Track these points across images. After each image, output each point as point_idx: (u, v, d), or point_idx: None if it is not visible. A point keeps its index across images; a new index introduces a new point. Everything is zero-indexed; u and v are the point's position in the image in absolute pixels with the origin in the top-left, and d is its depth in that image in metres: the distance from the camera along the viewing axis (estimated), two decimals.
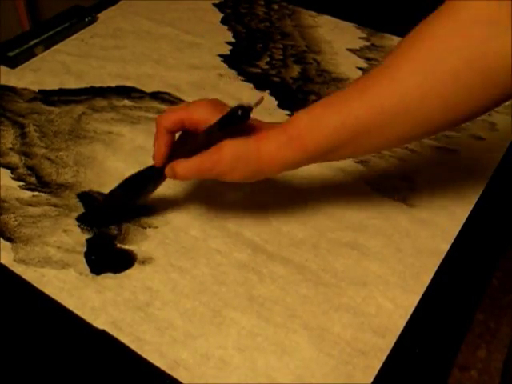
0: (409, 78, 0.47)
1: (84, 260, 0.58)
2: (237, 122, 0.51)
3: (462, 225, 0.61)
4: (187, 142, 0.55)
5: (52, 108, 0.76)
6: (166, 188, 0.64)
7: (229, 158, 0.51)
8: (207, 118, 0.52)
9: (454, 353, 0.53)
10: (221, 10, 0.95)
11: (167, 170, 0.55)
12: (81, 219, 0.62)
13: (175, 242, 0.60)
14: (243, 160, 0.52)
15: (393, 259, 0.58)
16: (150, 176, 0.58)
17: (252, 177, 0.53)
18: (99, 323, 0.53)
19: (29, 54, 0.84)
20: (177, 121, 0.54)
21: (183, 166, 0.53)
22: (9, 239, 0.60)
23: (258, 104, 0.50)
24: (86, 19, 0.90)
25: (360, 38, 0.88)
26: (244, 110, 0.50)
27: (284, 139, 0.51)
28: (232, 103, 0.75)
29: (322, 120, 0.50)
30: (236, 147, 0.51)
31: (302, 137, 0.51)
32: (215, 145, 0.52)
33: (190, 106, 0.54)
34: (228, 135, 0.52)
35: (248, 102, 0.50)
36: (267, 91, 0.65)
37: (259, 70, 0.82)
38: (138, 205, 0.62)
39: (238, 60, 0.84)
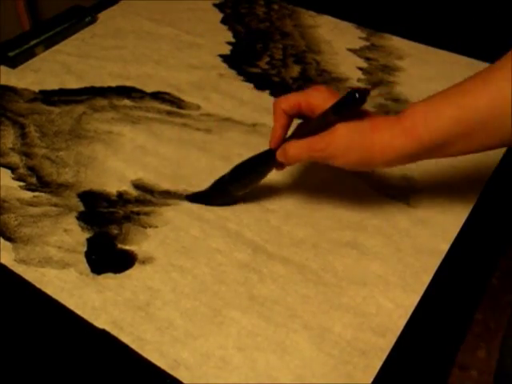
0: None
1: (85, 260, 0.58)
2: (353, 106, 0.51)
3: (461, 225, 0.61)
4: (302, 127, 0.56)
5: (52, 108, 0.76)
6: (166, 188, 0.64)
7: (342, 140, 0.52)
8: (323, 103, 0.53)
9: (454, 353, 0.53)
10: (221, 10, 0.95)
11: (279, 152, 0.56)
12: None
13: (175, 241, 0.60)
14: (356, 145, 0.52)
15: (393, 259, 0.58)
16: (264, 160, 0.59)
17: (361, 164, 0.53)
18: (100, 323, 0.53)
19: (29, 54, 0.84)
20: (294, 103, 0.55)
21: (295, 145, 0.54)
22: (9, 239, 0.60)
23: (370, 90, 0.50)
24: (86, 19, 0.90)
25: (360, 37, 0.88)
26: (361, 93, 0.49)
27: (398, 129, 0.51)
28: (232, 103, 0.76)
29: (439, 111, 0.50)
30: (350, 131, 0.51)
31: (416, 127, 0.50)
32: (329, 128, 0.52)
33: (307, 91, 0.55)
34: (342, 120, 0.52)
35: (364, 86, 0.50)
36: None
37: (259, 70, 0.82)
38: (247, 190, 0.62)
39: (238, 60, 0.84)
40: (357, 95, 0.49)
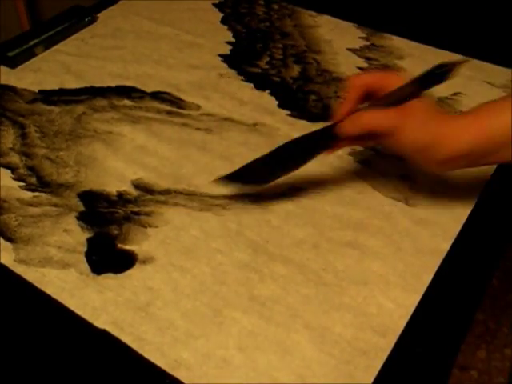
0: None
1: (85, 260, 0.58)
2: (440, 78, 0.51)
3: (462, 224, 0.61)
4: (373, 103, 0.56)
5: (52, 108, 0.76)
6: (167, 188, 0.64)
7: (420, 114, 0.52)
8: (395, 86, 0.54)
9: (454, 353, 0.53)
10: (221, 10, 0.95)
11: (347, 121, 0.55)
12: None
13: (176, 241, 0.60)
14: (431, 124, 0.52)
15: (393, 259, 0.58)
16: (320, 137, 0.58)
17: (425, 149, 0.53)
18: (100, 323, 0.53)
19: (29, 54, 0.84)
20: (369, 81, 0.56)
21: (369, 113, 0.54)
22: (9, 239, 0.60)
23: (459, 64, 0.50)
24: (86, 19, 0.90)
25: (360, 37, 0.88)
26: (449, 66, 0.50)
27: (467, 122, 0.52)
28: (232, 103, 0.76)
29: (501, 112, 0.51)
30: (428, 107, 0.53)
31: (480, 117, 0.52)
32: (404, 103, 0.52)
33: (381, 73, 0.58)
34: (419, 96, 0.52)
35: (451, 61, 0.50)
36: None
37: (259, 70, 0.82)
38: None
39: (238, 60, 0.84)
40: (443, 69, 0.50)
